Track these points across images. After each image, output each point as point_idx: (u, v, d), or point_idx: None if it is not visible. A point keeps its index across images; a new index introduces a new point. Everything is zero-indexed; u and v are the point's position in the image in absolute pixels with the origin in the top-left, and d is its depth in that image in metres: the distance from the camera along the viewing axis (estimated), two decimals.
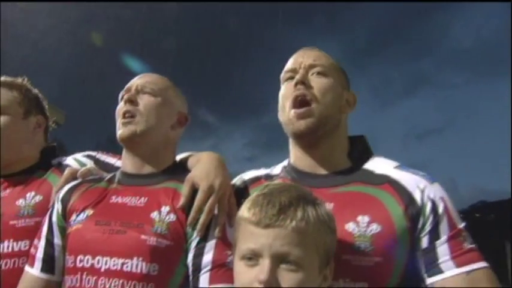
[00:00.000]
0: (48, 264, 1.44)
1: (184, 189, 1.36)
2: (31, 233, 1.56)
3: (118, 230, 1.33)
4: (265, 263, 1.03)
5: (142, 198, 1.40)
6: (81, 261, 1.32)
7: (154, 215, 1.35)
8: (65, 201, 1.49)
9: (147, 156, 1.48)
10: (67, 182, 1.59)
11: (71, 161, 1.79)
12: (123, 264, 1.28)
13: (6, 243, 1.57)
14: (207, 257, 1.28)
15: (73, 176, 1.62)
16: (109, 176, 1.56)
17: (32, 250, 1.48)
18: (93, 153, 1.82)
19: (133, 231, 1.32)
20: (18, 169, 1.75)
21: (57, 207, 1.49)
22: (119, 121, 1.48)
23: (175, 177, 1.45)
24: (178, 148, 1.60)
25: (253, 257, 1.06)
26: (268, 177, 1.45)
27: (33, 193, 1.66)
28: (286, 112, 1.36)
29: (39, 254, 1.45)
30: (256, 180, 1.46)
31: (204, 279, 1.27)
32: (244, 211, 1.12)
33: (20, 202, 1.64)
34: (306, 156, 1.37)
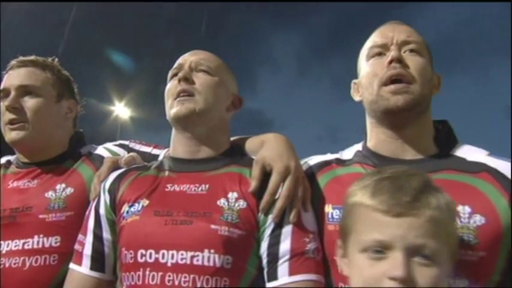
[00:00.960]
0: (98, 262, 1.30)
1: (255, 172, 1.25)
2: (62, 229, 1.43)
3: (182, 221, 1.20)
4: (397, 257, 0.91)
5: (203, 185, 1.27)
6: (142, 256, 1.18)
7: (222, 202, 1.23)
8: (113, 191, 1.35)
9: (204, 139, 1.36)
10: (110, 171, 1.44)
11: (102, 150, 1.64)
12: (192, 257, 1.15)
13: (36, 238, 1.42)
14: (285, 246, 1.17)
15: (115, 165, 1.48)
16: (155, 163, 1.43)
17: (77, 247, 1.33)
18: (125, 142, 1.68)
19: (200, 221, 1.19)
20: (47, 157, 1.59)
21: (104, 198, 1.35)
22: (170, 100, 1.36)
23: (235, 161, 1.34)
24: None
25: (381, 249, 0.94)
26: (340, 162, 1.35)
27: (63, 185, 1.51)
28: (375, 89, 1.25)
29: (87, 251, 1.30)
30: (325, 165, 1.35)
31: (282, 269, 1.16)
32: (365, 197, 0.99)
33: (50, 194, 1.49)
34: (391, 139, 1.27)
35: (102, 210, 1.34)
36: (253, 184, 1.23)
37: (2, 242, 1.42)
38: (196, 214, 1.21)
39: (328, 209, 1.24)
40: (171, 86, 1.38)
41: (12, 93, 1.54)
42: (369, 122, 1.33)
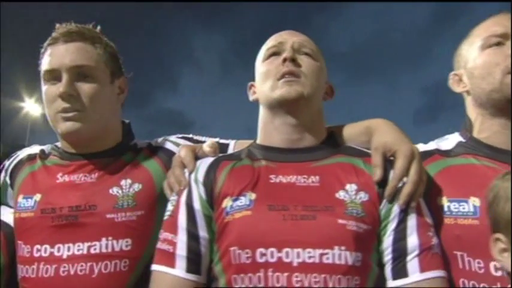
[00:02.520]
0: (195, 263, 1.13)
1: (377, 159, 1.16)
2: (134, 230, 1.25)
3: (303, 215, 1.08)
4: None
5: (313, 176, 1.16)
6: (263, 255, 1.04)
7: (342, 195, 1.12)
8: (209, 183, 1.19)
9: (307, 126, 1.24)
10: (193, 161, 1.27)
11: (166, 143, 1.44)
12: (322, 255, 1.04)
13: (103, 241, 1.22)
14: (413, 240, 1.09)
15: (193, 154, 1.30)
16: (242, 152, 1.29)
17: (166, 247, 1.14)
18: (188, 135, 1.49)
19: (324, 215, 1.08)
20: (101, 148, 1.37)
21: (199, 191, 1.18)
22: (271, 81, 1.23)
23: (340, 151, 1.24)
24: None
25: None
26: (443, 153, 1.30)
27: (129, 180, 1.31)
28: (497, 78, 1.22)
29: (181, 251, 1.12)
30: (428, 155, 1.29)
31: (413, 265, 1.07)
32: None
33: (115, 191, 1.29)
34: (506, 130, 1.24)
35: (197, 205, 1.17)
36: (378, 173, 1.14)
37: (60, 245, 1.21)
38: (316, 208, 1.09)
39: (443, 201, 1.18)
40: (273, 65, 1.25)
41: (65, 77, 1.28)
42: (480, 113, 1.30)
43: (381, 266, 1.11)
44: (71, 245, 1.21)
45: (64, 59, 1.29)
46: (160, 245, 1.16)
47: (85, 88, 1.30)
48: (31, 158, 1.43)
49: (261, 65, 1.30)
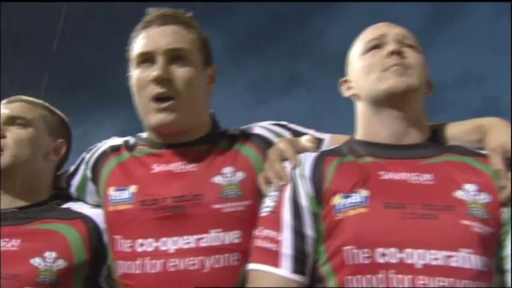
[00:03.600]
0: (301, 263, 1.08)
1: (498, 161, 1.11)
2: (242, 222, 1.18)
3: (423, 214, 1.04)
4: None
5: (426, 174, 1.11)
6: (383, 255, 1.00)
7: (460, 194, 1.07)
8: (317, 179, 1.14)
9: (413, 121, 1.19)
10: (295, 155, 1.21)
11: (261, 130, 1.36)
12: (447, 257, 0.99)
13: (213, 233, 1.16)
14: None
15: (294, 148, 1.24)
16: (343, 148, 1.24)
17: (268, 245, 1.09)
18: (282, 122, 1.41)
19: (445, 214, 1.04)
20: (193, 137, 1.31)
21: (306, 188, 1.13)
22: (377, 73, 1.18)
23: (448, 149, 1.19)
24: None
25: None
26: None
27: (230, 168, 1.24)
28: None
29: (286, 250, 1.08)
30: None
31: None
32: None
33: (218, 179, 1.22)
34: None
35: (304, 202, 1.12)
36: (503, 175, 1.09)
37: (165, 238, 1.16)
38: (436, 207, 1.05)
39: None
40: (376, 58, 1.20)
41: (160, 60, 1.22)
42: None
43: (501, 273, 1.06)
44: (177, 237, 1.15)
45: (159, 42, 1.23)
46: (260, 243, 1.11)
47: (180, 72, 1.23)
48: (115, 149, 1.37)
49: (360, 59, 1.25)
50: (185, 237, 1.15)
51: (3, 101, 1.45)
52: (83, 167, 1.41)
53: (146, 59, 1.25)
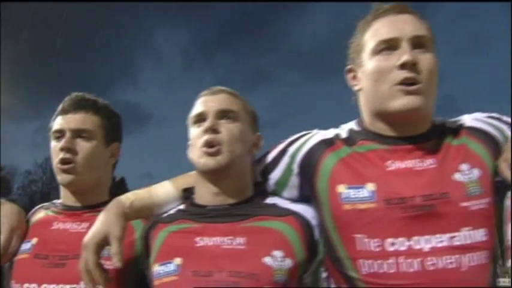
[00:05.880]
0: None
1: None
2: (487, 219, 1.20)
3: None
4: None
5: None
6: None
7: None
8: None
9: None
10: None
11: (477, 123, 1.34)
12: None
13: (464, 231, 1.17)
14: None
15: None
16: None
17: None
18: (494, 115, 1.38)
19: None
20: (422, 130, 1.30)
21: None
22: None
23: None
24: None
25: None
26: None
27: (466, 165, 1.23)
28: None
29: None
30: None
31: None
32: None
33: (458, 177, 1.22)
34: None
35: None
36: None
37: (418, 237, 1.16)
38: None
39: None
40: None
41: (406, 46, 1.25)
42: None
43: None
44: (429, 236, 1.16)
45: (404, 29, 1.26)
46: None
47: (425, 59, 1.26)
48: (329, 143, 1.35)
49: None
50: (437, 235, 1.15)
51: (204, 92, 1.43)
52: (286, 160, 1.38)
53: (388, 46, 1.25)
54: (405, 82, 1.21)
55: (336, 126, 1.42)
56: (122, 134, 1.67)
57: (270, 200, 1.39)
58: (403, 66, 1.21)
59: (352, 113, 1.40)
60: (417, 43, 1.25)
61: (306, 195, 1.38)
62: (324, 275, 1.33)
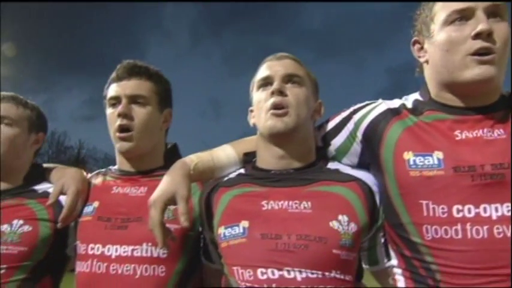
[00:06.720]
0: None
1: None
2: None
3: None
4: None
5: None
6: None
7: None
8: None
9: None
10: None
11: None
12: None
13: None
14: None
15: None
16: None
17: None
18: None
19: None
20: (492, 100, 1.30)
21: None
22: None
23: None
24: None
25: None
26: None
27: None
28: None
29: None
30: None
31: None
32: None
33: None
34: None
35: None
36: None
37: (485, 204, 1.17)
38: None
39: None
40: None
41: (481, 15, 1.23)
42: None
43: None
44: (497, 205, 1.16)
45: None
46: None
47: (500, 29, 1.23)
48: (396, 112, 1.36)
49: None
50: (506, 204, 1.15)
51: (269, 58, 1.45)
52: (350, 127, 1.40)
53: (460, 17, 1.24)
54: (479, 52, 1.20)
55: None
56: (172, 101, 1.68)
57: (331, 166, 1.41)
58: (477, 35, 1.20)
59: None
60: (492, 12, 1.23)
61: (365, 163, 1.39)
62: (382, 240, 1.35)
